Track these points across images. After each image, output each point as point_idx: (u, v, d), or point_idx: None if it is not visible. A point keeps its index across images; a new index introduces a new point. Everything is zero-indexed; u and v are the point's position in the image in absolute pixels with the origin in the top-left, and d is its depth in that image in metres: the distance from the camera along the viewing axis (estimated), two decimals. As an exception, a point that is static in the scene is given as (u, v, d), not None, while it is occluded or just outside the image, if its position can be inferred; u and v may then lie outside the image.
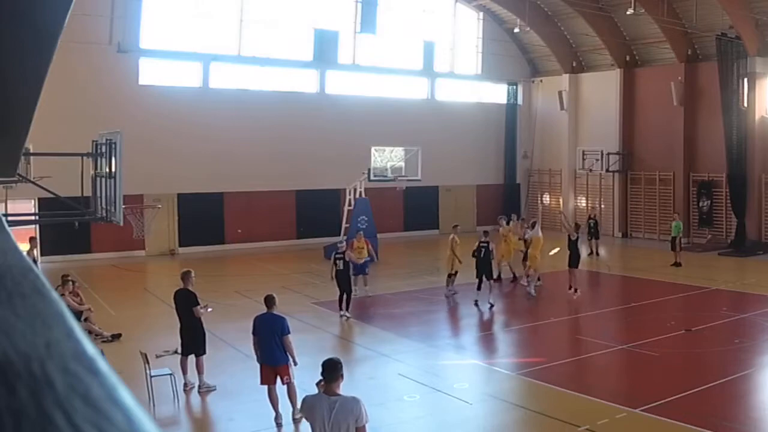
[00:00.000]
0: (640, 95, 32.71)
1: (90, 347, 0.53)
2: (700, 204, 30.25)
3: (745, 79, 27.97)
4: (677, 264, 23.91)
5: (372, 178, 26.51)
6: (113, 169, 10.70)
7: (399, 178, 27.17)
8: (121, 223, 11.19)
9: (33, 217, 19.90)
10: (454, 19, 35.10)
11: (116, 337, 15.03)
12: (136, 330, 15.63)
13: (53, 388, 0.45)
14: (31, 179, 13.76)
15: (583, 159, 34.04)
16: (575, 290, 19.07)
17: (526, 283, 20.30)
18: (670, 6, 28.69)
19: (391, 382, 12.46)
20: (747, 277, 22.61)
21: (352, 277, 17.73)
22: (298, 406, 10.12)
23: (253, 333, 10.62)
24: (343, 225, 26.81)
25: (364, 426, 6.54)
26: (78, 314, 14.55)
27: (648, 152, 32.31)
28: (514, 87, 37.14)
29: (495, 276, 19.57)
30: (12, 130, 2.10)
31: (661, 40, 30.51)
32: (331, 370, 6.71)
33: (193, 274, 12.23)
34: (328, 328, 16.31)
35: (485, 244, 18.40)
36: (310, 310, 17.85)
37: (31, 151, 16.03)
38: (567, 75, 35.21)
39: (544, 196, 37.22)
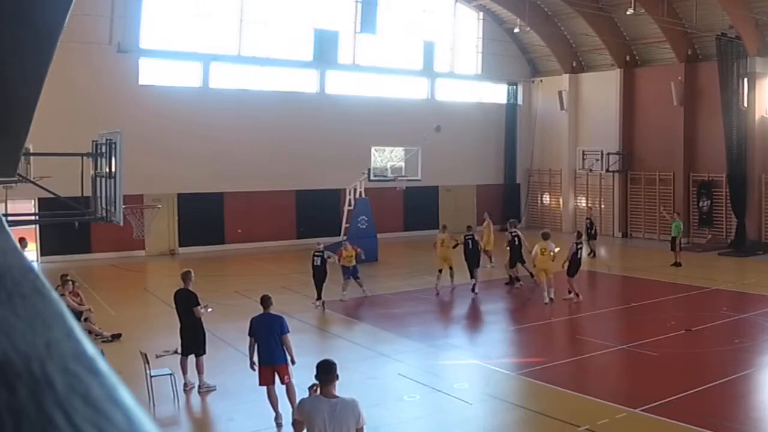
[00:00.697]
0: (640, 95, 32.71)
1: (90, 347, 0.53)
2: (700, 204, 30.25)
3: (745, 79, 27.97)
4: (677, 264, 23.91)
5: (372, 178, 26.51)
6: (113, 169, 10.70)
7: (399, 178, 27.16)
8: (121, 223, 11.19)
9: (33, 217, 19.91)
10: (454, 19, 35.10)
11: (116, 337, 15.03)
12: (136, 330, 15.63)
13: (53, 388, 0.45)
14: (31, 179, 13.76)
15: (583, 159, 34.04)
16: (576, 294, 18.51)
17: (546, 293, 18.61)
18: (670, 6, 28.69)
19: (391, 382, 12.46)
20: (747, 277, 22.61)
21: (344, 281, 19.01)
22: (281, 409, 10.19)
23: (249, 334, 10.55)
24: (343, 225, 26.82)
25: (362, 428, 6.52)
26: (78, 314, 14.55)
27: (648, 152, 32.31)
28: (514, 87, 37.14)
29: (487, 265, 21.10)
30: (12, 130, 2.10)
31: (661, 40, 30.51)
32: (327, 372, 6.65)
33: (193, 274, 12.23)
34: (328, 328, 16.32)
35: (470, 237, 20.19)
36: (310, 310, 17.86)
37: (31, 151, 16.04)
38: (567, 75, 35.22)
39: (544, 196, 37.23)
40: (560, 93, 35.14)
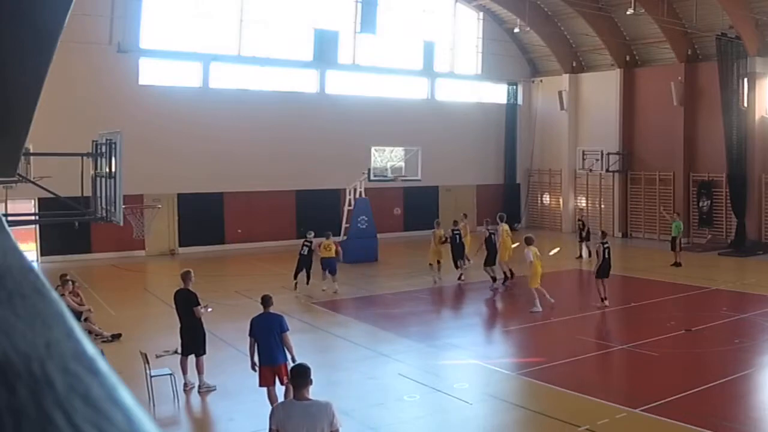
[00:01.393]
0: (640, 95, 32.71)
1: (90, 347, 0.53)
2: (700, 204, 30.25)
3: (745, 79, 27.97)
4: (677, 264, 23.90)
5: (372, 178, 26.52)
6: (113, 169, 10.70)
7: (399, 178, 27.17)
8: (121, 223, 11.19)
9: (33, 217, 19.91)
10: (454, 19, 35.11)
11: (116, 337, 15.03)
12: (136, 330, 15.63)
13: (53, 388, 0.45)
14: (31, 179, 13.76)
15: (583, 159, 34.04)
16: (603, 299, 17.76)
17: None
18: (670, 6, 28.69)
19: (391, 382, 12.46)
20: (747, 277, 22.61)
21: (322, 273, 20.17)
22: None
23: (250, 334, 10.51)
24: (343, 225, 26.82)
25: (338, 430, 6.51)
26: (78, 314, 14.55)
27: (648, 152, 32.31)
28: (514, 87, 37.14)
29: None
30: (12, 130, 2.10)
31: (661, 40, 30.51)
32: (301, 376, 6.62)
33: (193, 274, 12.23)
34: (328, 328, 16.31)
35: (457, 232, 21.53)
36: (310, 310, 17.86)
37: (31, 151, 16.04)
38: (567, 75, 35.22)
39: (544, 196, 37.23)
40: (560, 93, 35.15)
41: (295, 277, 20.24)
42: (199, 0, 28.50)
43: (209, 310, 12.52)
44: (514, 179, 37.28)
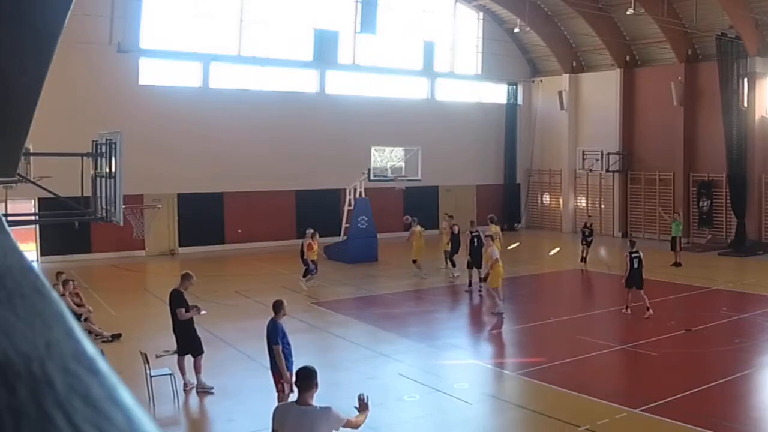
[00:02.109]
0: (640, 95, 32.71)
1: (90, 347, 0.54)
2: (700, 204, 30.26)
3: (745, 79, 27.98)
4: (677, 264, 23.89)
5: (372, 178, 26.51)
6: (113, 169, 10.70)
7: (399, 178, 27.16)
8: (121, 223, 11.19)
9: (33, 217, 19.91)
10: (454, 19, 35.11)
11: (116, 337, 15.03)
12: (136, 330, 15.62)
13: (53, 388, 0.45)
14: (31, 179, 13.76)
15: (583, 159, 34.05)
16: (627, 308, 17.01)
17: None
18: (670, 6, 28.70)
19: (391, 382, 12.46)
20: (747, 277, 22.61)
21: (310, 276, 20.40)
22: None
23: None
24: (343, 225, 26.82)
25: (345, 419, 6.43)
26: (77, 315, 14.54)
27: (648, 152, 32.32)
28: (514, 87, 37.14)
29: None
30: (12, 130, 2.10)
31: (661, 40, 30.51)
32: (306, 378, 6.44)
33: (192, 277, 12.11)
34: (328, 328, 16.31)
35: (476, 234, 20.24)
36: (310, 310, 17.86)
37: (31, 151, 16.04)
38: (567, 75, 35.22)
39: (544, 196, 37.23)
40: (560, 93, 35.15)
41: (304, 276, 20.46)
42: (199, 0, 28.50)
43: (202, 312, 12.38)
44: (514, 179, 37.29)
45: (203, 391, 11.64)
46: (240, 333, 15.11)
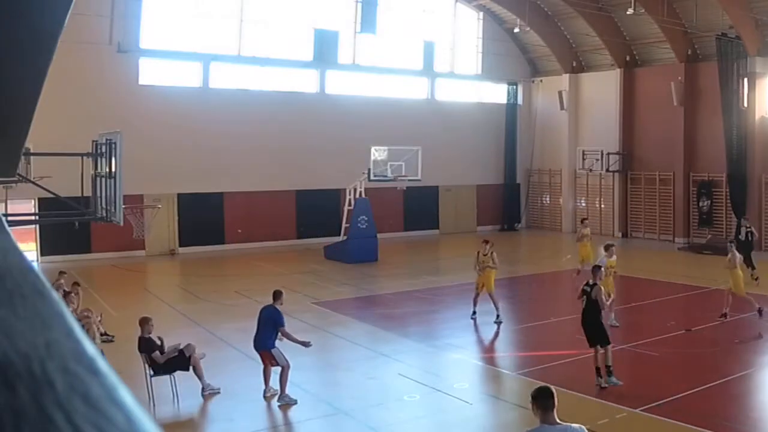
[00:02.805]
0: (640, 95, 32.71)
1: (90, 347, 0.54)
2: (700, 204, 30.26)
3: (745, 79, 27.97)
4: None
5: (372, 178, 26.53)
6: (113, 169, 10.71)
7: (399, 178, 27.17)
8: (121, 223, 11.19)
9: (33, 217, 19.92)
10: (454, 19, 35.11)
11: (110, 338, 15.01)
12: (136, 330, 15.58)
13: (53, 388, 0.45)
14: (31, 179, 13.77)
15: (583, 159, 34.05)
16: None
17: None
18: (670, 6, 28.69)
19: (391, 382, 12.46)
20: (747, 276, 22.56)
21: None
22: (287, 391, 11.11)
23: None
24: (343, 225, 26.82)
25: None
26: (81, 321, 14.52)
27: (648, 152, 32.32)
28: (514, 87, 37.15)
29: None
30: (12, 130, 2.10)
31: (661, 40, 30.52)
32: (546, 398, 6.48)
33: (151, 321, 11.70)
34: (328, 328, 16.30)
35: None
36: (310, 310, 17.85)
37: (31, 151, 16.03)
38: (567, 75, 35.22)
39: (544, 196, 37.24)
40: (560, 93, 35.15)
41: None
42: (199, 0, 28.50)
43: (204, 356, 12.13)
44: (514, 179, 37.29)
45: (211, 392, 11.58)
46: (240, 333, 15.08)
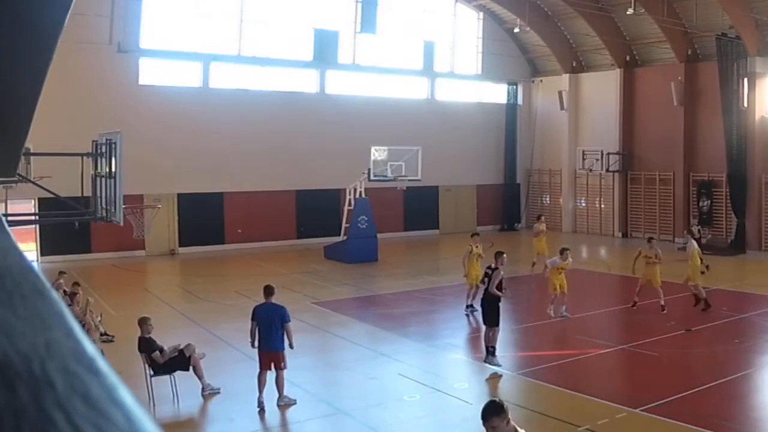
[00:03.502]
0: (640, 95, 32.71)
1: (90, 347, 0.54)
2: (700, 204, 30.26)
3: (745, 79, 27.97)
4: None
5: (372, 178, 26.53)
6: (113, 169, 10.70)
7: (399, 178, 27.18)
8: (121, 223, 11.19)
9: (33, 217, 19.91)
10: (454, 19, 35.11)
11: (110, 338, 15.01)
12: (136, 330, 15.58)
13: (53, 388, 0.45)
14: (31, 179, 13.76)
15: (583, 159, 34.05)
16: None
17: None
18: (670, 6, 28.70)
19: (391, 382, 12.46)
20: (747, 277, 22.60)
21: None
22: (285, 392, 10.87)
23: (252, 319, 11.24)
24: (343, 225, 26.82)
25: None
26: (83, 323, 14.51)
27: (648, 152, 32.32)
28: (514, 87, 37.15)
29: None
30: (12, 130, 2.10)
31: (661, 40, 30.52)
32: (489, 415, 5.90)
33: (150, 321, 11.75)
34: (328, 328, 16.31)
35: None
36: (310, 310, 17.85)
37: (31, 151, 16.03)
38: (567, 75, 35.22)
39: (544, 196, 37.23)
40: (560, 93, 35.15)
41: None
42: (199, 0, 28.50)
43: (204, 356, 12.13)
44: (514, 179, 37.28)
45: (211, 392, 11.57)
46: (240, 333, 15.07)
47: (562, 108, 35.15)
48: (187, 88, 28.63)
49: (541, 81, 37.00)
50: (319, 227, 29.67)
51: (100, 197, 11.36)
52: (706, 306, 17.28)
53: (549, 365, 13.00)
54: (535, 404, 11.15)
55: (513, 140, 36.88)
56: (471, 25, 35.73)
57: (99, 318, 15.33)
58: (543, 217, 25.57)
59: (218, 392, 11.58)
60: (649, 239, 19.48)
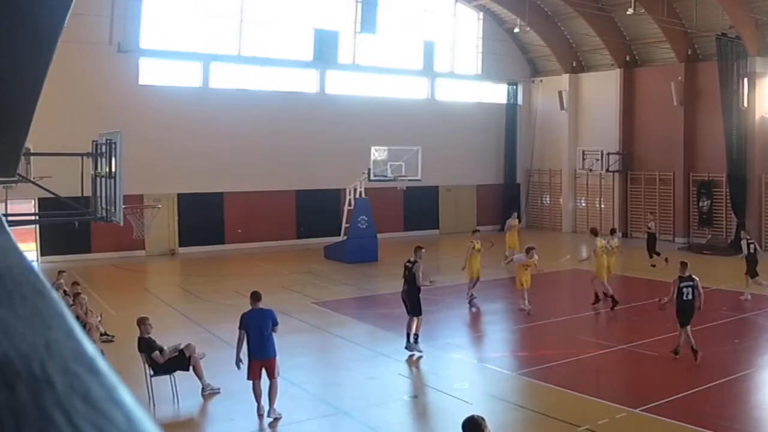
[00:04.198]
0: (640, 95, 32.71)
1: (90, 347, 0.54)
2: (700, 204, 30.26)
3: (745, 79, 27.97)
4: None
5: (372, 178, 26.53)
6: (113, 169, 10.71)
7: (399, 178, 27.19)
8: (121, 223, 11.19)
9: (33, 217, 19.91)
10: (454, 19, 35.11)
11: (110, 338, 15.01)
12: (136, 330, 15.58)
13: (53, 388, 0.45)
14: (31, 179, 13.76)
15: (583, 159, 34.05)
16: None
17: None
18: (670, 6, 28.70)
19: (391, 382, 12.46)
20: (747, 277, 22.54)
21: None
22: (276, 408, 10.45)
23: (240, 328, 10.78)
24: (343, 225, 26.82)
25: None
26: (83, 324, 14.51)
27: (648, 152, 32.32)
28: (514, 87, 37.15)
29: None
30: (12, 130, 2.10)
31: (661, 40, 30.51)
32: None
33: (148, 321, 11.73)
34: (328, 328, 16.30)
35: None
36: (310, 310, 17.86)
37: (31, 151, 16.03)
38: (567, 75, 35.23)
39: (544, 196, 37.24)
40: (560, 93, 35.15)
41: None
42: (199, 0, 28.50)
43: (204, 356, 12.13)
44: (514, 179, 37.29)
45: (211, 392, 11.58)
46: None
47: (562, 108, 35.16)
48: (187, 88, 28.63)
49: (541, 81, 37.00)
50: (319, 227, 29.67)
51: (100, 197, 11.36)
52: (613, 302, 17.62)
53: (549, 365, 13.00)
54: (535, 404, 11.15)
55: (513, 140, 36.88)
56: (471, 25, 35.73)
57: (99, 318, 15.32)
58: (516, 213, 26.70)
59: (218, 392, 11.58)
60: (612, 230, 21.59)
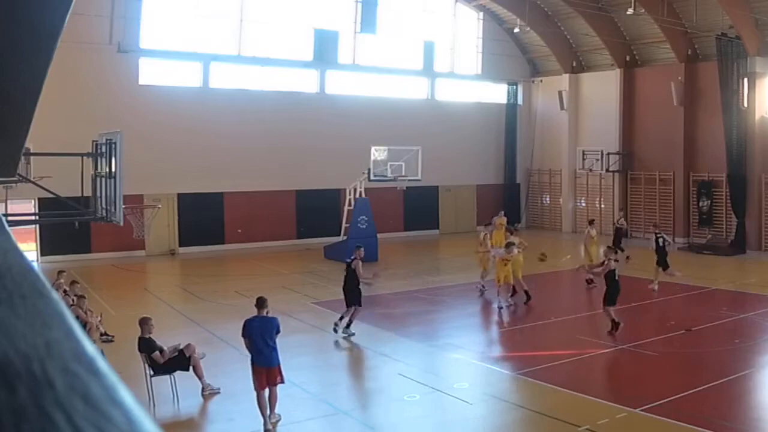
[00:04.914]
0: (640, 95, 32.72)
1: (90, 347, 0.54)
2: (700, 204, 30.26)
3: (745, 79, 27.96)
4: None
5: (372, 178, 26.53)
6: (113, 169, 10.71)
7: (399, 178, 27.19)
8: (121, 223, 11.19)
9: (33, 217, 19.91)
10: (454, 19, 35.11)
11: (110, 338, 15.01)
12: (136, 330, 15.58)
13: (53, 388, 0.45)
14: (31, 179, 13.77)
15: (583, 159, 34.05)
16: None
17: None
18: (670, 6, 28.70)
19: (391, 382, 12.45)
20: (747, 277, 22.60)
21: None
22: (276, 410, 10.28)
23: (243, 336, 10.65)
24: (343, 225, 26.82)
25: None
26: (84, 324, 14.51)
27: (648, 152, 32.32)
28: (514, 87, 37.15)
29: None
30: (12, 130, 2.10)
31: (661, 40, 30.52)
32: None
33: (151, 321, 11.74)
34: (328, 328, 16.29)
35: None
36: (310, 310, 17.86)
37: (31, 151, 16.03)
38: (567, 75, 35.23)
39: (544, 196, 37.23)
40: (560, 93, 35.15)
41: None
42: (199, 0, 28.50)
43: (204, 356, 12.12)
44: (514, 179, 37.29)
45: (211, 392, 11.57)
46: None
47: (562, 108, 35.16)
48: (187, 88, 28.63)
49: (541, 81, 37.00)
50: (319, 227, 29.67)
51: (100, 197, 11.37)
52: (527, 298, 18.50)
53: (549, 365, 13.00)
54: (535, 404, 11.15)
55: (513, 140, 36.88)
56: (471, 25, 35.73)
57: (99, 318, 15.32)
58: (503, 212, 26.98)
59: (218, 392, 11.58)
60: (591, 221, 23.47)
